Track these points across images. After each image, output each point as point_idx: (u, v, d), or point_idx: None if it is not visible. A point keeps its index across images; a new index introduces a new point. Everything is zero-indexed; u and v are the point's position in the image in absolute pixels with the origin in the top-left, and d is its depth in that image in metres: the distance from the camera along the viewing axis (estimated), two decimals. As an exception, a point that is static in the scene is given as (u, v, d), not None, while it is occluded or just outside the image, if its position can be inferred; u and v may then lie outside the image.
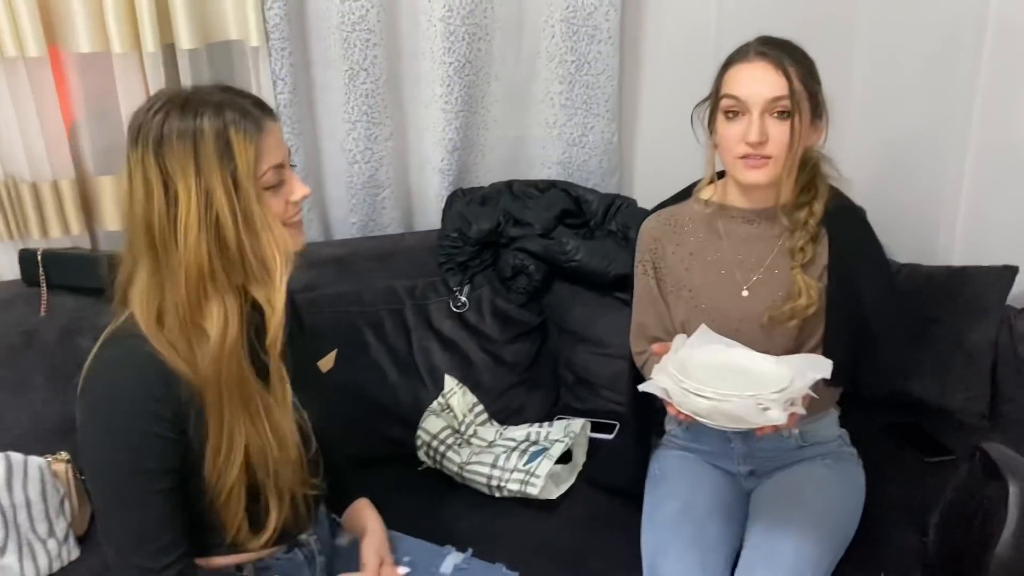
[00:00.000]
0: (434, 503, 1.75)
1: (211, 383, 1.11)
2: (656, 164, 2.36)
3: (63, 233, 1.92)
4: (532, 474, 1.71)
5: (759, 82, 1.40)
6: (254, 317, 1.18)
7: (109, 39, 1.81)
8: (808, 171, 1.51)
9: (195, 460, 1.14)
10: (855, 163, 2.37)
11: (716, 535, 1.46)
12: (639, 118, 2.35)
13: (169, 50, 1.88)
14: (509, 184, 2.19)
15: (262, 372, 1.19)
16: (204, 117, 1.08)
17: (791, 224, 1.51)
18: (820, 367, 1.29)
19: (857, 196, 2.20)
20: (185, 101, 1.09)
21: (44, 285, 1.82)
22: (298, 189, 1.17)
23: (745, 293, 1.53)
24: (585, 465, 1.84)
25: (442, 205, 2.17)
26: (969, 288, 1.93)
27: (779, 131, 1.41)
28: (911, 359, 1.93)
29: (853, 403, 1.86)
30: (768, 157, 1.42)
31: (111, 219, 1.96)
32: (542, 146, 2.28)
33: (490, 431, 1.93)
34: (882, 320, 1.49)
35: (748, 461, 1.59)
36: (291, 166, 1.18)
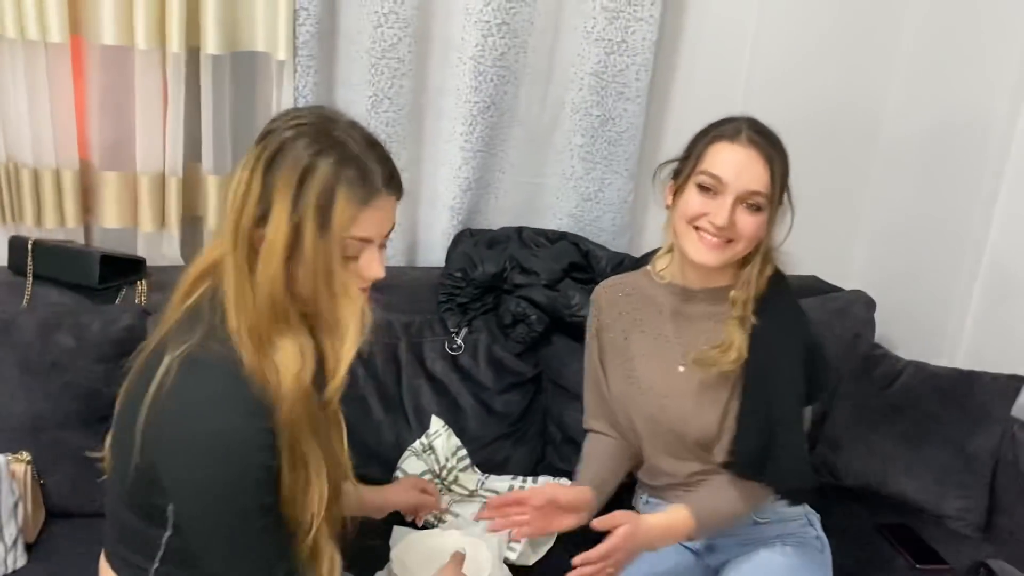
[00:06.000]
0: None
1: (284, 420, 1.05)
2: (668, 228, 2.33)
3: (58, 224, 1.87)
4: (511, 538, 1.63)
5: (744, 170, 1.36)
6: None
7: (134, 33, 1.77)
8: (760, 252, 1.45)
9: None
10: (866, 251, 2.37)
11: None
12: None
13: (193, 53, 1.85)
14: (519, 230, 2.15)
15: None
16: (325, 159, 1.02)
17: (734, 297, 1.44)
18: None
19: (867, 287, 2.16)
20: (322, 130, 1.04)
21: (30, 275, 1.76)
22: (374, 269, 1.10)
23: (681, 369, 1.49)
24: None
25: (448, 243, 2.12)
26: (974, 393, 1.89)
27: (747, 223, 1.37)
28: (902, 458, 1.88)
29: (842, 496, 1.80)
30: (729, 241, 1.39)
31: (111, 216, 1.91)
32: (556, 196, 2.24)
33: (472, 479, 1.85)
34: (783, 405, 1.40)
35: None
36: (382, 247, 1.12)
